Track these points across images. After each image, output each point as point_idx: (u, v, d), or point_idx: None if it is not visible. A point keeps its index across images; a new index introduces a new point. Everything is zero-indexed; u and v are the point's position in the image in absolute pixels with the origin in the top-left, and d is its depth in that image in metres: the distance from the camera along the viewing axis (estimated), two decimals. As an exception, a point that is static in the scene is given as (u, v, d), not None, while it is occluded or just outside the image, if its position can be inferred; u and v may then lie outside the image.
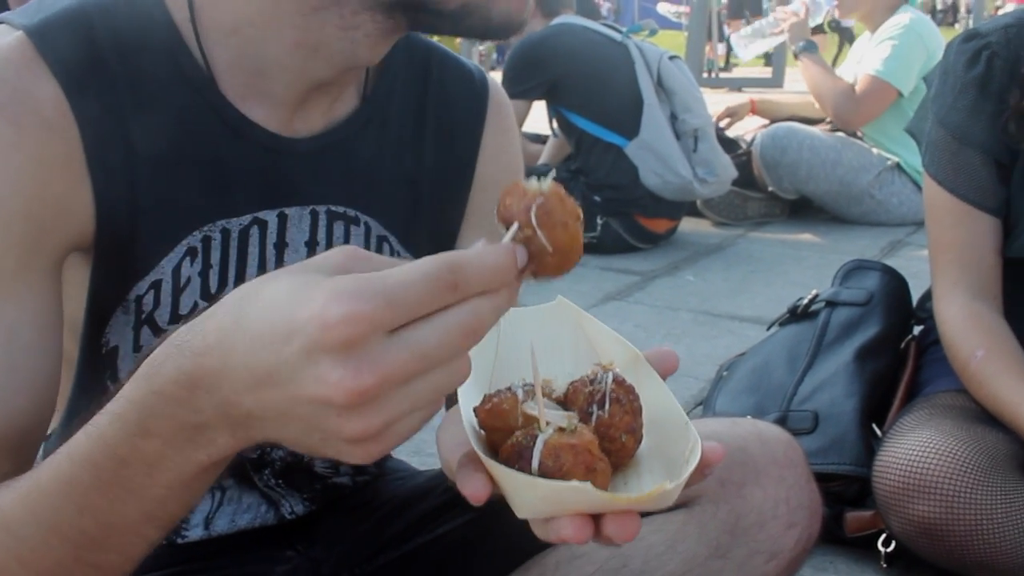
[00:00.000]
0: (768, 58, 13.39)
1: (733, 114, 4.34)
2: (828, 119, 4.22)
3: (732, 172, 3.69)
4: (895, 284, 1.82)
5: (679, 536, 0.95)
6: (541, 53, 3.52)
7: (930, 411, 1.40)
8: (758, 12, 16.91)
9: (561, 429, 0.60)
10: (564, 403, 0.68)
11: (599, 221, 3.47)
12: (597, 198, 3.48)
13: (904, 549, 1.46)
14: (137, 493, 0.61)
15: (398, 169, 0.96)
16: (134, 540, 0.65)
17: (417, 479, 1.11)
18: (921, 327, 1.75)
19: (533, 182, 0.57)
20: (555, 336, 0.77)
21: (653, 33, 3.95)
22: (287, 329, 0.51)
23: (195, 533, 0.95)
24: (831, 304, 1.76)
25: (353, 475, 1.05)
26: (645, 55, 3.54)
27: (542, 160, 4.06)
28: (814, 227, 4.02)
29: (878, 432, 1.60)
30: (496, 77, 1.22)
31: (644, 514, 0.59)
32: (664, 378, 0.72)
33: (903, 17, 3.78)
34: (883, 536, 1.48)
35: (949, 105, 1.43)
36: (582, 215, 0.58)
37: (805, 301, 1.80)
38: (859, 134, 4.02)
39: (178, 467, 0.59)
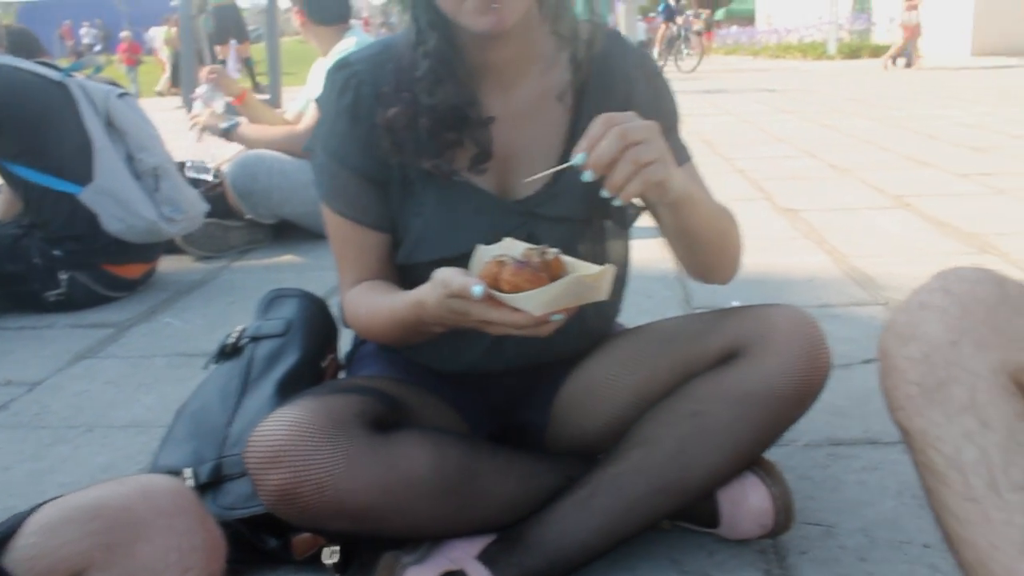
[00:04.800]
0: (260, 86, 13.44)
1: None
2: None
3: (202, 206, 3.64)
4: (313, 308, 1.85)
5: None
6: (-37, 102, 3.20)
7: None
8: (245, 38, 16.98)
9: None
10: None
11: (63, 277, 3.24)
12: (57, 252, 3.24)
13: (352, 552, 1.55)
14: None
15: None
16: None
17: None
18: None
19: None
20: None
21: (99, 70, 3.78)
22: None
23: None
24: (255, 339, 1.75)
25: None
26: (90, 94, 3.35)
27: (-4, 216, 3.71)
28: (296, 247, 4.11)
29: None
30: None
31: None
32: None
33: (348, 42, 3.95)
34: (324, 550, 1.55)
35: (328, 131, 1.51)
36: None
37: (232, 340, 1.77)
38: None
39: None
